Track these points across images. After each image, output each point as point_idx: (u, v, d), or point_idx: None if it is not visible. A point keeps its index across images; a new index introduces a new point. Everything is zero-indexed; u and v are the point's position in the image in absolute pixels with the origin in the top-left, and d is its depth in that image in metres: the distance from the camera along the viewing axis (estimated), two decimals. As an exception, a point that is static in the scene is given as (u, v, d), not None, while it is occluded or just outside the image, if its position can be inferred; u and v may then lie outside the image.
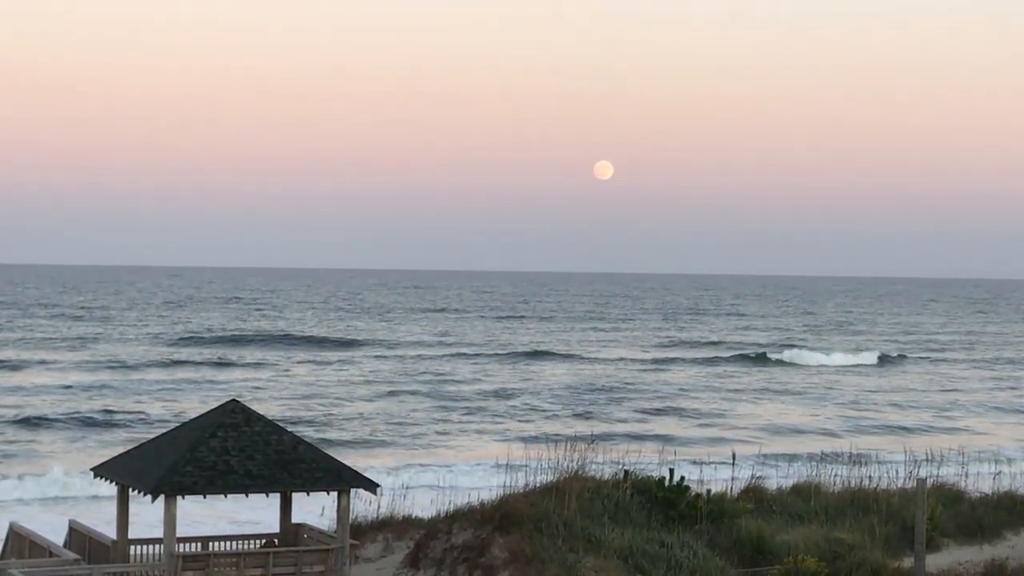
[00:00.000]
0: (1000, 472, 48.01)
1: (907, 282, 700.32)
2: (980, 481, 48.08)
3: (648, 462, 47.29)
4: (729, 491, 42.85)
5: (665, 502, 39.81)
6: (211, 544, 35.99)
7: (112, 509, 37.20)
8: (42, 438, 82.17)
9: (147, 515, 41.95)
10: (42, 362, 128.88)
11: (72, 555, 34.14)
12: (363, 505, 41.07)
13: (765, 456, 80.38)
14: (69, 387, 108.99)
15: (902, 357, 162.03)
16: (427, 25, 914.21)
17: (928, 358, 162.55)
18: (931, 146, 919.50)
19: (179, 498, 33.06)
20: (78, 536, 36.33)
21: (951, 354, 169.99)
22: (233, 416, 34.82)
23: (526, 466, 41.26)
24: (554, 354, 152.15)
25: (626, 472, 41.01)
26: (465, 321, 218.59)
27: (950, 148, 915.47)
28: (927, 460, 47.69)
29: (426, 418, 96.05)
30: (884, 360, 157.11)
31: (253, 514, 51.26)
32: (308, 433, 79.18)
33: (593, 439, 44.03)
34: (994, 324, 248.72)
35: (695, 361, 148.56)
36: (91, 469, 36.69)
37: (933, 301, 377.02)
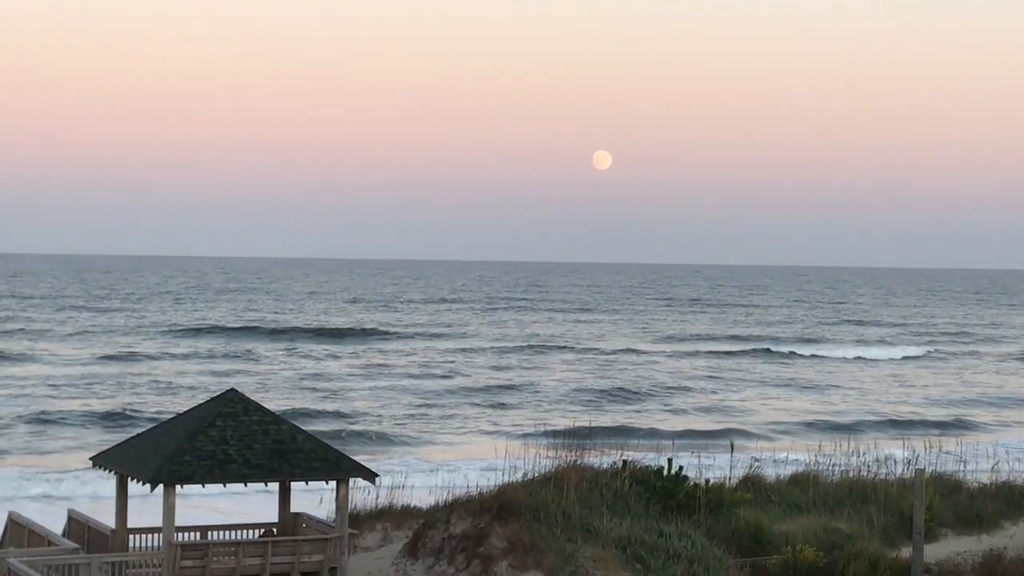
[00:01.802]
0: (998, 462, 48.04)
1: (908, 273, 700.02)
2: (978, 471, 48.16)
3: (647, 452, 47.32)
4: (728, 481, 42.94)
5: (663, 492, 39.84)
6: (210, 533, 36.10)
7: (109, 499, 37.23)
8: (47, 431, 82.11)
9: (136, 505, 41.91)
10: (49, 353, 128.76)
11: (71, 544, 34.20)
12: (362, 495, 41.14)
13: (764, 446, 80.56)
14: (75, 378, 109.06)
15: (915, 347, 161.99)
16: (425, 16, 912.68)
17: (937, 351, 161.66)
18: (932, 141, 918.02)
19: (179, 487, 33.16)
20: (77, 525, 36.40)
21: (964, 346, 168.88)
22: (232, 406, 34.87)
23: (525, 456, 41.31)
24: (556, 346, 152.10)
25: (624, 462, 41.04)
26: (468, 312, 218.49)
27: (948, 144, 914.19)
28: (926, 450, 47.76)
29: (427, 409, 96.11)
30: (894, 350, 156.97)
31: (242, 508, 51.15)
32: (308, 423, 79.16)
33: (590, 430, 44.10)
34: (999, 314, 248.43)
35: (698, 353, 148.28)
36: (90, 458, 36.74)
37: (933, 293, 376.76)
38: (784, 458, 52.32)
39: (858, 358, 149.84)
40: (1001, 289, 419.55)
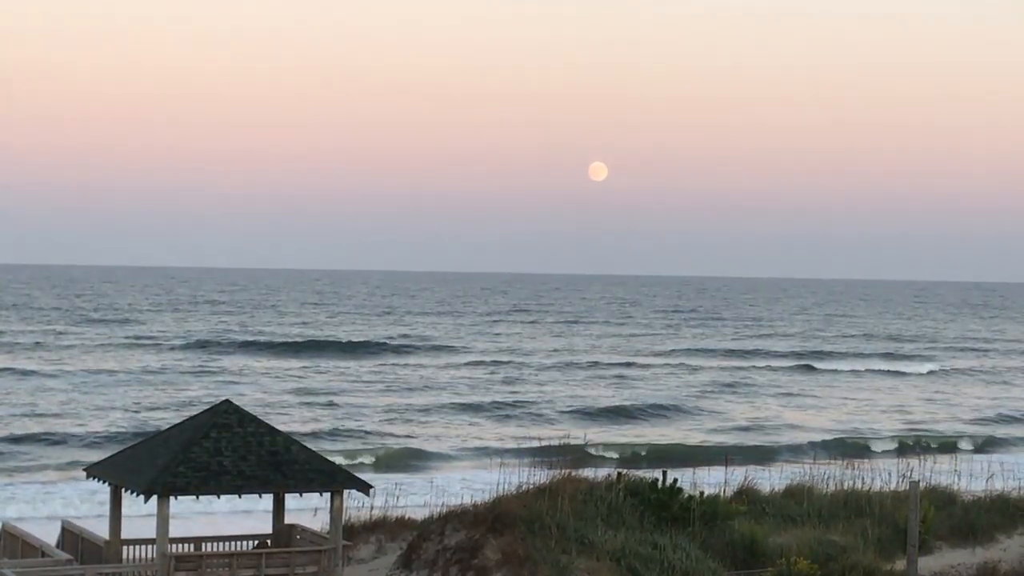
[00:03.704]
0: (993, 475, 48.09)
1: (898, 285, 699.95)
2: (973, 483, 48.19)
3: (641, 464, 47.43)
4: (722, 493, 42.98)
5: (658, 504, 39.90)
6: (204, 545, 36.09)
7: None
8: (42, 442, 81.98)
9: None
10: (48, 365, 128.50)
11: (64, 555, 34.19)
12: (356, 506, 41.16)
13: (760, 458, 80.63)
14: (73, 390, 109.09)
15: (931, 362, 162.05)
16: (421, 25, 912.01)
17: (946, 368, 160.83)
18: (934, 147, 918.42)
19: (173, 498, 33.19)
20: (71, 536, 36.38)
21: (979, 360, 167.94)
22: (226, 417, 34.91)
23: (520, 468, 41.35)
24: (557, 359, 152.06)
25: (619, 474, 41.14)
26: (464, 325, 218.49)
27: (951, 149, 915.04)
28: (920, 462, 47.81)
29: (423, 421, 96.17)
30: (911, 364, 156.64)
31: (235, 520, 51.08)
32: (303, 435, 79.12)
33: (586, 442, 44.23)
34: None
35: (701, 368, 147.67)
36: (84, 469, 36.79)
37: (925, 304, 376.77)
38: (778, 469, 52.34)
39: (868, 370, 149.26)
40: (998, 301, 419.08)
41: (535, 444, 66.43)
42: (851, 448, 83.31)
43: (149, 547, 35.07)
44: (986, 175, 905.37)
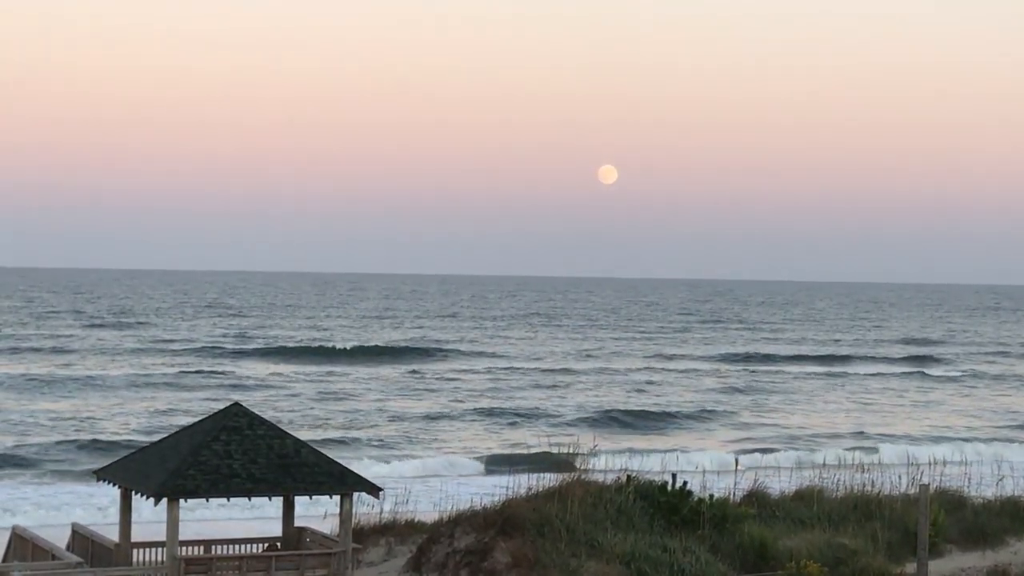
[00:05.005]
0: (1004, 477, 48.04)
1: (918, 288, 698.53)
2: (983, 487, 48.14)
3: (651, 467, 47.38)
4: (732, 496, 42.97)
5: (668, 507, 39.90)
6: (214, 548, 36.18)
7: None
8: (55, 445, 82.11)
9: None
10: (69, 371, 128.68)
11: (75, 558, 34.29)
12: (366, 509, 41.20)
13: (770, 461, 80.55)
14: (86, 395, 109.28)
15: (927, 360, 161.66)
16: (428, 26, 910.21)
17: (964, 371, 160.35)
18: (934, 148, 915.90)
19: (183, 501, 33.26)
20: (81, 539, 36.48)
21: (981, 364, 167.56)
22: (236, 419, 34.97)
23: (530, 471, 41.37)
24: (572, 364, 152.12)
25: (629, 477, 41.17)
26: (473, 329, 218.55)
27: (952, 150, 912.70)
28: (930, 465, 47.77)
29: (434, 425, 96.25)
30: (914, 367, 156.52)
31: (245, 523, 51.14)
32: (313, 439, 79.18)
33: (595, 446, 44.20)
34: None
35: (716, 371, 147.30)
36: (94, 472, 36.89)
37: (932, 304, 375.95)
38: (788, 472, 52.24)
39: (884, 373, 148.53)
40: (1010, 303, 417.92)
41: (546, 448, 66.48)
42: (864, 451, 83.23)
43: (159, 550, 35.15)
44: (987, 176, 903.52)
